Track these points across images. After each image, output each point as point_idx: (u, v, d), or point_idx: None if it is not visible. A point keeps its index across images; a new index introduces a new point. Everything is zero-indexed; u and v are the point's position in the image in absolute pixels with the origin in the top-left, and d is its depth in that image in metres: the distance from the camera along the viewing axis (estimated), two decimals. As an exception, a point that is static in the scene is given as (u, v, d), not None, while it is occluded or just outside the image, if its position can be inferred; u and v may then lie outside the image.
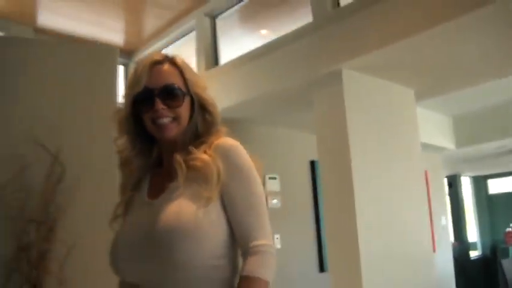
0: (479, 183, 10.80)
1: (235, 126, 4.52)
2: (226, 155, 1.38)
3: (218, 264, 1.33)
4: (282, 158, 5.02)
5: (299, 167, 5.27)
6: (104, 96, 2.51)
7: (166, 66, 1.44)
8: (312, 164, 5.31)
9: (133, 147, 1.49)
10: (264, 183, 4.12)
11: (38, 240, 2.31)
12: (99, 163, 2.42)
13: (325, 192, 3.68)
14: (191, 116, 1.46)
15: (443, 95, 4.73)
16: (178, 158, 1.39)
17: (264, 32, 4.67)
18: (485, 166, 9.49)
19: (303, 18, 3.75)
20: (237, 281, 1.34)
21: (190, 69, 1.49)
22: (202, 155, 1.38)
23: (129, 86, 1.44)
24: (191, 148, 1.41)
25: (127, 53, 5.70)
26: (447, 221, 7.20)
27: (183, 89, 1.44)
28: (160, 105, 1.39)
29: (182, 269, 1.28)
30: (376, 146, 3.65)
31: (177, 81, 1.43)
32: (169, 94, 1.41)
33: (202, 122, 1.48)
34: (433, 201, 6.43)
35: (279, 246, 4.71)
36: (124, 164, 1.52)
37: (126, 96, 1.45)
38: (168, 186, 1.39)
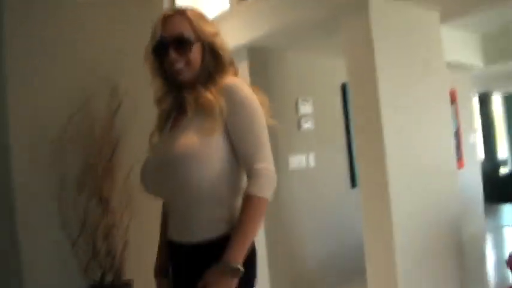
0: (511, 101, 10.75)
1: (267, 54, 4.74)
2: (228, 92, 1.58)
3: (218, 183, 1.58)
4: (314, 82, 5.15)
5: (331, 89, 5.41)
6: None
7: (176, 19, 1.65)
8: (344, 86, 5.44)
9: (162, 88, 1.75)
10: (296, 107, 4.34)
11: (102, 159, 2.67)
12: (150, 95, 2.74)
13: (354, 115, 3.87)
14: (204, 60, 1.67)
15: (469, 15, 4.78)
16: (188, 97, 1.64)
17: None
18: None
19: None
20: (237, 199, 1.60)
21: (201, 18, 1.68)
22: (207, 94, 1.59)
23: (150, 38, 1.68)
24: (199, 88, 1.62)
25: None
26: (476, 138, 7.30)
27: (193, 37, 1.64)
28: (173, 53, 1.62)
29: (187, 186, 1.55)
30: (402, 68, 3.78)
31: (187, 31, 1.63)
32: (180, 43, 1.62)
33: (213, 65, 1.67)
34: (462, 119, 6.57)
35: (313, 164, 5.01)
36: (158, 102, 1.79)
37: (148, 47, 1.69)
38: (182, 120, 1.65)
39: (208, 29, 1.67)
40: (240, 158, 1.59)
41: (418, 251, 3.70)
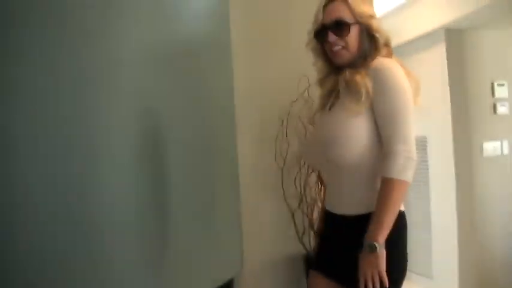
0: None
1: (463, 35, 4.60)
2: (376, 73, 1.67)
3: (362, 163, 1.69)
4: (510, 63, 4.85)
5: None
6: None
7: (337, 4, 1.79)
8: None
9: (323, 71, 1.92)
10: (492, 90, 4.11)
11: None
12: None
13: None
14: (361, 42, 1.78)
15: None
16: (340, 79, 1.79)
17: None
18: None
19: None
20: (377, 178, 1.66)
21: (359, 2, 1.80)
22: (356, 77, 1.71)
23: (313, 23, 1.86)
24: (351, 70, 1.75)
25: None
26: None
27: (351, 20, 1.76)
28: (332, 36, 1.77)
29: (334, 162, 1.73)
30: None
31: (346, 15, 1.77)
32: (338, 26, 1.76)
33: (369, 46, 1.78)
34: None
35: (507, 152, 4.78)
36: (320, 83, 1.96)
37: (311, 32, 1.87)
38: (337, 101, 1.80)
39: (365, 11, 1.78)
40: (382, 137, 1.67)
41: None
